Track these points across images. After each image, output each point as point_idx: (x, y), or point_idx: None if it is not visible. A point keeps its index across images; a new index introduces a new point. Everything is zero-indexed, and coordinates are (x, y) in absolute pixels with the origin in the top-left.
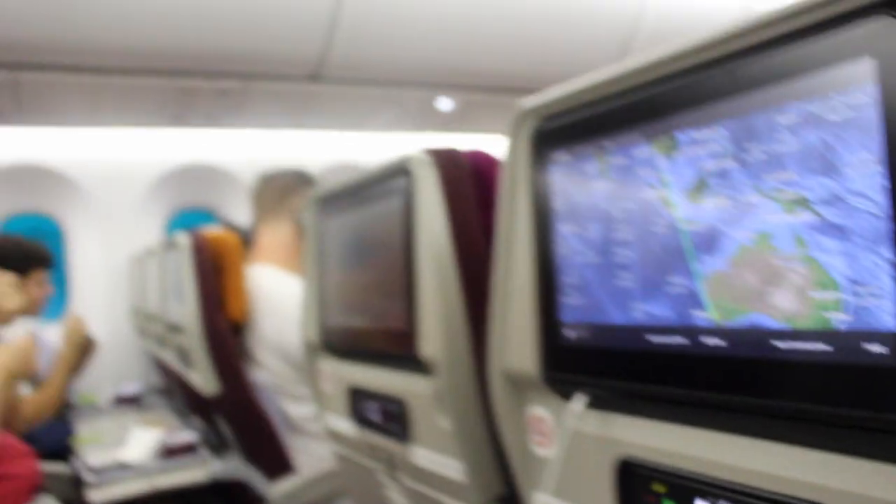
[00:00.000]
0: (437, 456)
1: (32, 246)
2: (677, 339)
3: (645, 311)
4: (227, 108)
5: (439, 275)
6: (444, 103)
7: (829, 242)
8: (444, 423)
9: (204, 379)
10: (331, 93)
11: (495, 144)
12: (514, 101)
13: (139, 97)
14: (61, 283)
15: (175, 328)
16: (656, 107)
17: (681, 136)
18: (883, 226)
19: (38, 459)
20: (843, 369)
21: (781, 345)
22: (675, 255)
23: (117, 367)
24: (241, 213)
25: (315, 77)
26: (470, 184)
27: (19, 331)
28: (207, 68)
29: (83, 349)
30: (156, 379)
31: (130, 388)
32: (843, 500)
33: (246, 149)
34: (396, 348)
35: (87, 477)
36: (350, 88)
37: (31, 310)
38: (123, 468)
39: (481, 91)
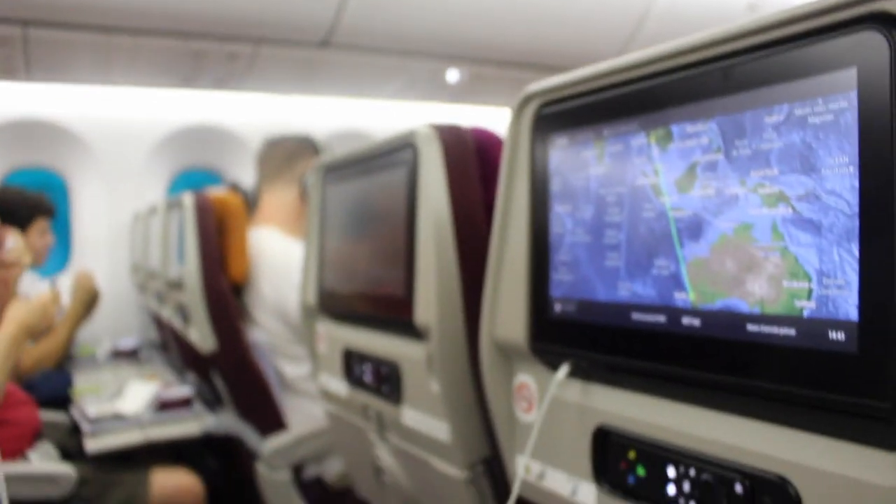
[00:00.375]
0: (425, 417)
1: (34, 196)
2: (658, 318)
3: (630, 289)
4: (236, 72)
5: (438, 246)
6: (453, 75)
7: (804, 236)
8: (435, 386)
9: (202, 336)
10: (340, 60)
11: (501, 118)
12: (522, 75)
13: (149, 57)
14: (64, 238)
15: (175, 285)
16: (655, 99)
17: (675, 128)
18: (853, 224)
19: (37, 407)
20: (808, 353)
21: (753, 328)
22: (661, 239)
23: (116, 320)
24: (246, 175)
25: (325, 44)
26: (473, 160)
27: (42, 287)
28: (218, 31)
29: (90, 304)
30: (153, 334)
31: (128, 341)
32: (801, 472)
33: (253, 111)
34: (393, 314)
35: (84, 426)
36: (360, 56)
37: (35, 260)
38: (119, 419)
39: (490, 64)
